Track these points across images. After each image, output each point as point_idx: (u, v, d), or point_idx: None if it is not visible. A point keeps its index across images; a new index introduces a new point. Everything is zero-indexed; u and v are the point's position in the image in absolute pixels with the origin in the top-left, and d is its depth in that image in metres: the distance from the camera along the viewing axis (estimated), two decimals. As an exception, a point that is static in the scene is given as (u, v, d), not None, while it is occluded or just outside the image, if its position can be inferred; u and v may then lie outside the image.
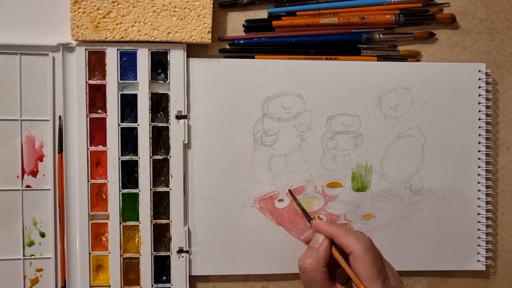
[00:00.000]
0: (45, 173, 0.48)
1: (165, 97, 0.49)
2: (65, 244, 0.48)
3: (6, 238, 0.48)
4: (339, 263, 0.43)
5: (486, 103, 0.52)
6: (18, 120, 0.48)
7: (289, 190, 0.51)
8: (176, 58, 0.49)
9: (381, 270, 0.41)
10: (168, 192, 0.49)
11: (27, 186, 0.48)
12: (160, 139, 0.49)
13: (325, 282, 0.42)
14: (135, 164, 0.49)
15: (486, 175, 0.53)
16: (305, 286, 0.44)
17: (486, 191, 0.53)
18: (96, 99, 0.48)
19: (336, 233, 0.44)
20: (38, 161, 0.48)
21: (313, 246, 0.45)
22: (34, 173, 0.48)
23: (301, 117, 0.51)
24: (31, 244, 0.48)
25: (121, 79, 0.48)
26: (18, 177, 0.48)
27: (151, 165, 0.49)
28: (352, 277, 0.42)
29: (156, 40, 0.47)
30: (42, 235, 0.48)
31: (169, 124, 0.49)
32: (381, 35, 0.52)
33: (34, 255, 0.48)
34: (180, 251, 0.50)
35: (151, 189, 0.49)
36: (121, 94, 0.48)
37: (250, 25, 0.51)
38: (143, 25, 0.47)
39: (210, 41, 0.48)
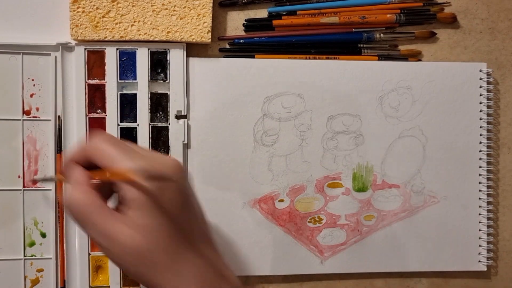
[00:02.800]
0: (46, 174, 0.48)
1: (165, 96, 0.49)
2: (64, 245, 0.48)
3: (7, 238, 0.48)
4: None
5: (487, 102, 0.52)
6: (20, 120, 0.48)
7: None
8: (175, 57, 0.48)
9: (125, 149, 0.33)
10: (168, 192, 0.49)
11: (28, 186, 0.48)
12: (159, 139, 0.49)
13: (97, 202, 0.32)
14: (134, 164, 0.49)
15: (487, 175, 0.52)
16: (82, 227, 0.33)
17: (487, 191, 0.52)
18: (95, 99, 0.48)
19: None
20: (40, 161, 0.48)
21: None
22: (35, 173, 0.48)
23: (301, 117, 0.50)
24: (32, 244, 0.48)
25: (120, 79, 0.48)
26: (19, 177, 0.48)
27: (151, 165, 0.49)
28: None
29: (156, 39, 0.47)
30: (43, 235, 0.48)
31: (169, 124, 0.49)
32: (382, 35, 0.51)
33: (35, 256, 0.48)
34: (180, 251, 0.49)
35: (151, 189, 0.49)
36: (120, 94, 0.48)
37: (250, 25, 0.50)
38: (143, 24, 0.47)
39: (210, 40, 0.48)
